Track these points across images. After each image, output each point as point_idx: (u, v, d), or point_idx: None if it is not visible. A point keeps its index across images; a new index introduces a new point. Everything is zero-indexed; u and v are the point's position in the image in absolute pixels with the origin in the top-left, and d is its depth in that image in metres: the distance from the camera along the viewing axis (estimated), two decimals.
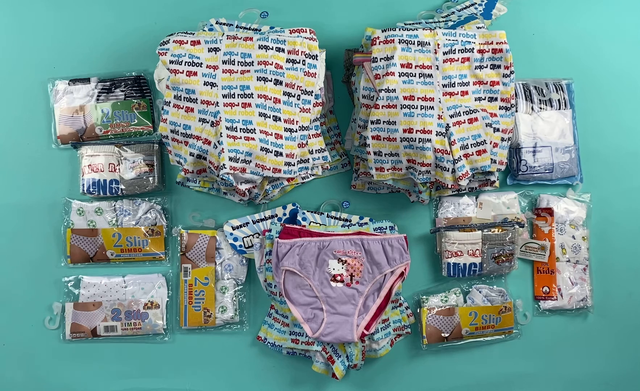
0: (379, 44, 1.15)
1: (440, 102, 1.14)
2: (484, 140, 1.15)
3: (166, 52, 1.14)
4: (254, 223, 1.25)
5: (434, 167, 1.14)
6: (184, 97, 1.14)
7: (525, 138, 1.26)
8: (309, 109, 1.17)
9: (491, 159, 1.16)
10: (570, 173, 1.29)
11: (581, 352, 1.30)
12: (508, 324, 1.25)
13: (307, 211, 1.25)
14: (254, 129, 1.13)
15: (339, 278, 1.17)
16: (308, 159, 1.20)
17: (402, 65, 1.14)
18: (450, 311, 1.24)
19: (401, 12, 1.31)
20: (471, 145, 1.14)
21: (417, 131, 1.12)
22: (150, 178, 1.25)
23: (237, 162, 1.11)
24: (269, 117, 1.14)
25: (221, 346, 1.27)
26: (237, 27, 1.24)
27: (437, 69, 1.15)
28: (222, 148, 1.11)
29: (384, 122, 1.14)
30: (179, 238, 1.25)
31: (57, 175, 1.27)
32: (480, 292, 1.26)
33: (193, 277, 1.24)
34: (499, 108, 1.19)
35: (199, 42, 1.15)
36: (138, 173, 1.24)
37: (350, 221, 1.25)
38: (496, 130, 1.17)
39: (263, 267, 1.20)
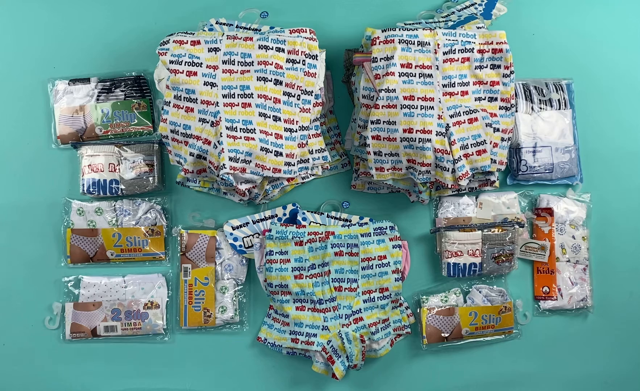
0: (379, 44, 1.15)
1: (440, 102, 1.14)
2: (484, 140, 1.15)
3: (166, 52, 1.14)
4: (254, 223, 1.25)
5: (434, 167, 1.14)
6: (184, 97, 1.14)
7: (525, 138, 1.26)
8: (309, 109, 1.17)
9: (491, 159, 1.16)
10: (570, 173, 1.29)
11: (581, 352, 1.30)
12: (508, 324, 1.25)
13: (307, 211, 1.25)
14: (254, 129, 1.13)
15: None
16: (308, 159, 1.20)
17: (402, 65, 1.14)
18: (450, 311, 1.24)
19: (401, 12, 1.31)
20: (471, 145, 1.14)
21: (417, 131, 1.12)
22: (150, 178, 1.24)
23: (237, 162, 1.11)
24: (269, 117, 1.14)
25: (221, 346, 1.27)
26: (237, 27, 1.24)
27: (437, 69, 1.15)
28: (222, 148, 1.11)
29: (384, 122, 1.14)
30: (179, 238, 1.25)
31: (57, 175, 1.27)
32: (480, 291, 1.26)
33: (193, 277, 1.24)
34: (499, 108, 1.19)
35: (199, 42, 1.15)
36: (138, 173, 1.24)
37: (350, 221, 1.25)
38: (496, 130, 1.17)
39: (263, 266, 1.20)
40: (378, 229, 1.20)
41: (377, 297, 1.20)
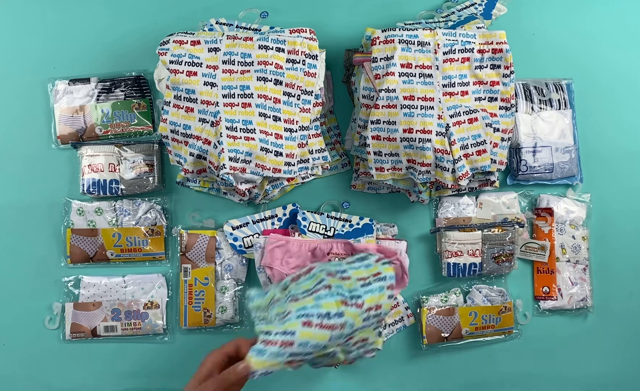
0: (379, 44, 1.15)
1: (440, 102, 1.14)
2: (484, 140, 1.15)
3: (166, 52, 1.14)
4: (254, 223, 1.25)
5: (434, 167, 1.14)
6: (184, 97, 1.14)
7: (525, 138, 1.26)
8: (309, 109, 1.17)
9: (491, 159, 1.16)
10: (570, 173, 1.29)
11: (581, 352, 1.30)
12: (508, 324, 1.25)
13: (307, 211, 1.25)
14: (254, 129, 1.13)
15: None
16: (308, 159, 1.20)
17: (402, 65, 1.14)
18: (450, 311, 1.24)
19: (401, 12, 1.31)
20: (471, 145, 1.14)
21: (417, 131, 1.12)
22: (150, 178, 1.24)
23: (237, 162, 1.11)
24: (269, 117, 1.14)
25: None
26: (237, 27, 1.24)
27: (437, 69, 1.15)
28: (222, 148, 1.11)
29: (384, 122, 1.14)
30: (179, 238, 1.25)
31: (57, 175, 1.27)
32: (480, 291, 1.26)
33: (193, 277, 1.24)
34: (499, 108, 1.19)
35: (199, 42, 1.15)
36: (138, 173, 1.24)
37: (350, 221, 1.25)
38: (496, 130, 1.17)
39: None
40: (378, 279, 1.03)
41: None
